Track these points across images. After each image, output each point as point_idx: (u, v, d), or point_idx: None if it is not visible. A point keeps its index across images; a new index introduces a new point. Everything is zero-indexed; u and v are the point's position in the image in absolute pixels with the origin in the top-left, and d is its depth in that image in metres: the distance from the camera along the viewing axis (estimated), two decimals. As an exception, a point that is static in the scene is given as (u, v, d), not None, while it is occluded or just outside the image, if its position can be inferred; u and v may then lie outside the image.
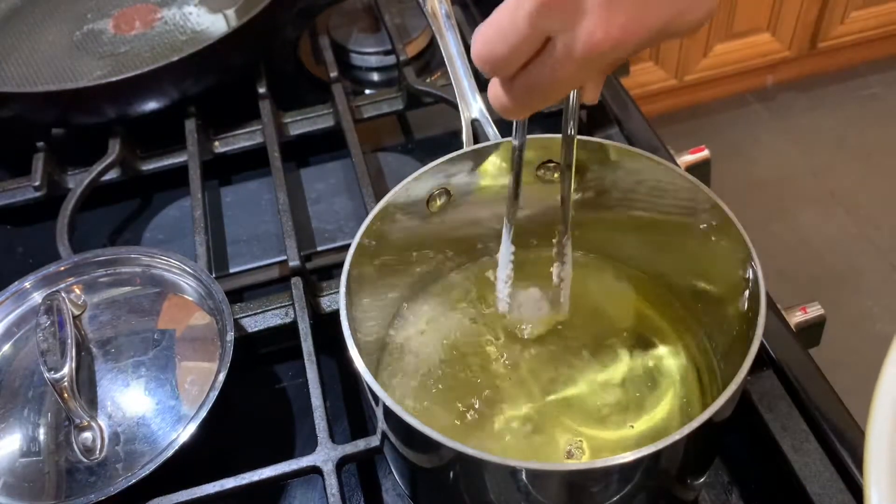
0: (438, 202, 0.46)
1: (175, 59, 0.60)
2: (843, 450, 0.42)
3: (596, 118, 0.65)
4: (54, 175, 0.64)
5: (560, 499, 0.36)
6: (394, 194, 0.43)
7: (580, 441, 0.42)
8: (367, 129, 0.67)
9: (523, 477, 0.34)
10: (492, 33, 0.31)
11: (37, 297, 0.50)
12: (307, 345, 0.49)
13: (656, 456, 0.33)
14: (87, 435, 0.44)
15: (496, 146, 0.46)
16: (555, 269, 0.45)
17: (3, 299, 0.50)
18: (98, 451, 0.44)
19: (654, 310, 0.48)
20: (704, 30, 1.70)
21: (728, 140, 1.82)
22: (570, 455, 0.42)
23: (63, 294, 0.48)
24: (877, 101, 1.89)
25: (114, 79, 0.60)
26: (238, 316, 0.52)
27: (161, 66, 0.60)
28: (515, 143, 0.41)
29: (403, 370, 0.46)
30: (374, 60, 0.75)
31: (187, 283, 0.50)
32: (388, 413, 0.35)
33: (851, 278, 1.55)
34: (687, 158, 0.62)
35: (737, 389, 0.35)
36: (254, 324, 0.52)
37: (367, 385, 0.36)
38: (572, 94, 0.37)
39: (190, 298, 0.50)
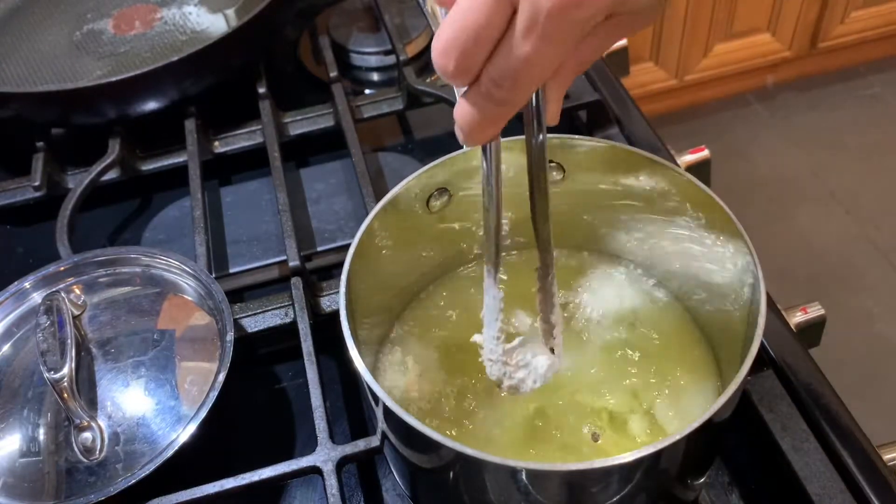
0: (438, 202, 0.46)
1: (175, 59, 0.60)
2: (843, 450, 0.42)
3: (596, 118, 0.65)
4: (54, 175, 0.64)
5: (560, 499, 0.36)
6: (394, 194, 0.43)
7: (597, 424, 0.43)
8: (367, 129, 0.67)
9: (523, 477, 0.34)
10: (454, 26, 0.29)
11: (37, 297, 0.50)
12: (307, 345, 0.49)
13: (656, 456, 0.33)
14: (87, 435, 0.44)
15: (496, 146, 0.46)
16: (540, 322, 0.37)
17: (3, 299, 0.50)
18: (98, 451, 0.43)
19: (654, 309, 0.48)
20: (704, 30, 1.70)
21: (728, 140, 1.82)
22: (595, 438, 0.42)
23: (63, 294, 0.48)
24: (877, 101, 1.89)
25: (114, 79, 0.60)
26: (238, 316, 0.52)
27: (161, 66, 0.60)
28: (489, 184, 0.33)
29: (405, 370, 0.46)
30: (374, 60, 0.75)
31: (187, 283, 0.50)
32: (388, 413, 0.35)
33: (851, 278, 1.55)
34: (687, 158, 0.62)
35: (737, 389, 0.35)
36: (254, 324, 0.52)
37: (367, 385, 0.36)
38: (534, 98, 0.32)
39: (190, 298, 0.50)
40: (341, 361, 0.53)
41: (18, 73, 0.70)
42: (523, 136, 0.42)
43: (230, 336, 0.46)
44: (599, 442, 0.42)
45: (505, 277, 0.36)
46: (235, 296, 0.56)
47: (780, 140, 1.83)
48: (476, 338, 0.38)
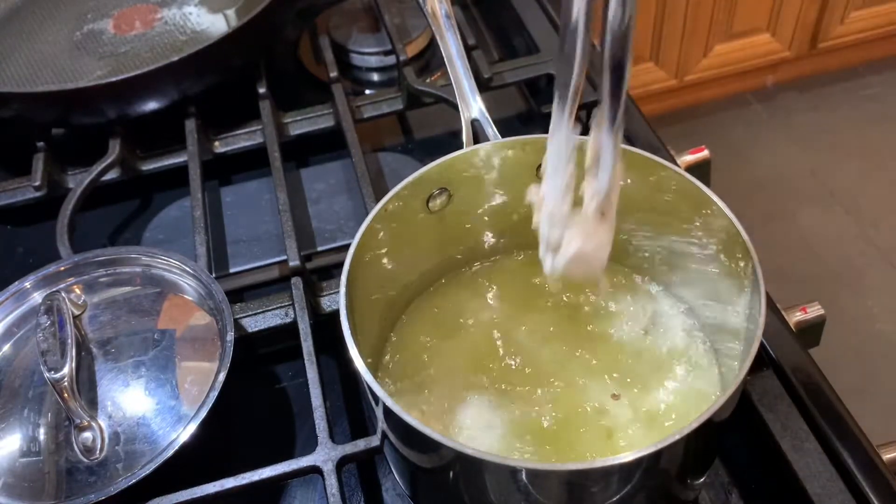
0: (438, 202, 0.46)
1: (175, 59, 0.60)
2: (843, 450, 0.42)
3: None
4: (54, 175, 0.64)
5: (560, 499, 0.36)
6: (394, 194, 0.43)
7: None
8: (367, 129, 0.67)
9: (523, 477, 0.34)
10: None
11: (37, 297, 0.50)
12: (307, 345, 0.49)
13: (656, 456, 0.33)
14: (87, 435, 0.44)
15: (496, 146, 0.46)
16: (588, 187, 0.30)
17: (3, 299, 0.50)
18: (98, 451, 0.44)
19: (653, 308, 0.48)
20: (704, 30, 1.70)
21: (728, 140, 1.82)
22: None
23: (63, 294, 0.48)
24: (876, 101, 1.89)
25: (114, 79, 0.60)
26: (238, 316, 0.52)
27: (161, 66, 0.60)
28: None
29: (405, 370, 0.46)
30: (374, 60, 0.75)
31: (187, 283, 0.50)
32: (388, 413, 0.35)
33: (851, 278, 1.55)
34: (687, 158, 0.62)
35: (737, 389, 0.35)
36: (254, 324, 0.52)
37: (367, 385, 0.36)
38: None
39: (190, 298, 0.50)
40: (341, 361, 0.53)
41: (18, 73, 0.70)
42: (520, 137, 0.42)
43: (230, 336, 0.46)
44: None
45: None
46: (235, 296, 0.56)
47: (780, 140, 1.83)
48: (531, 196, 0.32)
